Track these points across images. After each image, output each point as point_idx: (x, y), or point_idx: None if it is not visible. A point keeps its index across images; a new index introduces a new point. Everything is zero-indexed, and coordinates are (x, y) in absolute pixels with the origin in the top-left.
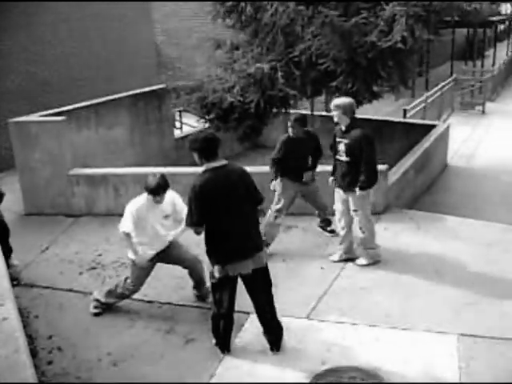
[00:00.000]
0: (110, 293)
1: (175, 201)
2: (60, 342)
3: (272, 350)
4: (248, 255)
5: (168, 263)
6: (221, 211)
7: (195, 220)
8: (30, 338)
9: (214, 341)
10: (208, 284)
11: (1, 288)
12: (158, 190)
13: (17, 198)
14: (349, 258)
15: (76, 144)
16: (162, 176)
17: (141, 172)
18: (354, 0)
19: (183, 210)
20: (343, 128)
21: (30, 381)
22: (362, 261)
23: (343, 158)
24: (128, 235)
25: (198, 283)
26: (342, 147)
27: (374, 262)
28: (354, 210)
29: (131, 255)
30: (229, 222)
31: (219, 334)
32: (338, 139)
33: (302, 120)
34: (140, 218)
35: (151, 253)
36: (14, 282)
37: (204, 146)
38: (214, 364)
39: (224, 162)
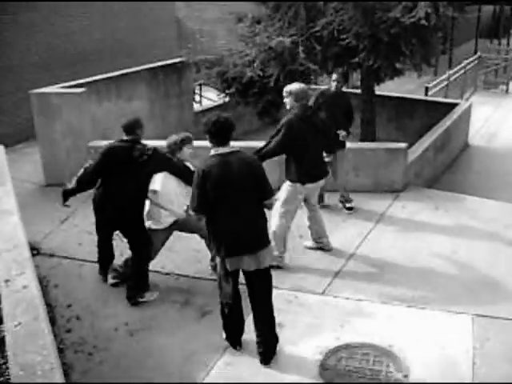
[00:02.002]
0: (126, 262)
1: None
2: (78, 311)
3: (261, 362)
4: (247, 251)
5: (185, 231)
6: (221, 201)
7: (195, 206)
8: (50, 307)
9: (224, 335)
10: None
11: (21, 257)
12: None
13: (37, 169)
14: (320, 247)
15: (96, 116)
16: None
17: (160, 145)
18: None
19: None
20: None
21: (49, 348)
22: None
23: None
24: (155, 193)
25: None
26: None
27: (278, 266)
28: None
29: (149, 224)
30: (228, 213)
31: (228, 327)
32: None
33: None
34: (165, 181)
35: (170, 220)
36: (34, 252)
37: (214, 130)
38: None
39: (235, 148)
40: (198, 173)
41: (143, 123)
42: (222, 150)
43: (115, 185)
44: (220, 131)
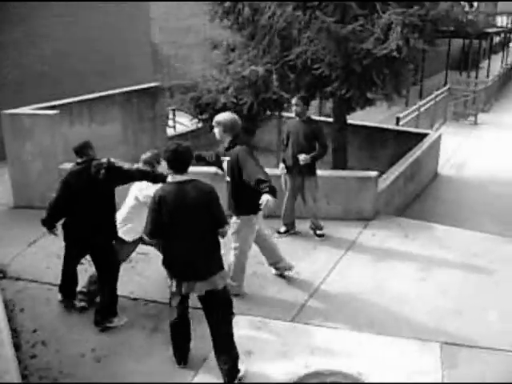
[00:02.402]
0: (91, 279)
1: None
2: (45, 336)
3: (225, 382)
4: (198, 278)
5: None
6: (175, 227)
7: (149, 230)
8: (15, 332)
9: (171, 351)
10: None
11: None
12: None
13: (6, 190)
14: (281, 273)
15: (68, 138)
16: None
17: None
18: (351, 3)
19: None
20: (226, 145)
21: (13, 373)
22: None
23: (227, 178)
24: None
25: None
26: (225, 166)
27: (236, 295)
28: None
29: (122, 233)
30: (181, 239)
31: (175, 345)
32: (222, 158)
33: (305, 98)
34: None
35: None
36: (0, 275)
37: (173, 158)
38: (199, 364)
39: (191, 178)
40: (154, 198)
41: (93, 145)
42: (179, 177)
43: (84, 210)
44: (180, 159)
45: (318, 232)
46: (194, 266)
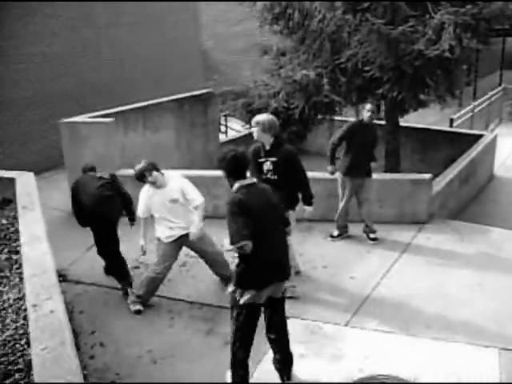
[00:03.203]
0: (141, 283)
1: (183, 186)
2: (102, 337)
3: (283, 379)
4: (285, 277)
5: (196, 252)
6: (261, 230)
7: (243, 234)
8: (74, 333)
9: (229, 376)
10: (232, 268)
11: (48, 282)
12: (137, 177)
13: (65, 197)
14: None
15: (123, 145)
16: (145, 162)
17: (185, 174)
18: (401, 3)
19: (194, 200)
20: (267, 147)
21: (75, 373)
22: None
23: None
24: (143, 219)
25: (223, 278)
26: (266, 166)
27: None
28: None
29: (157, 234)
30: (269, 241)
31: (239, 365)
32: (261, 159)
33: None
34: (147, 202)
35: (168, 233)
36: (60, 278)
37: (234, 165)
38: (252, 367)
39: (254, 179)
40: (234, 203)
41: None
42: (244, 181)
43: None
44: (239, 166)
45: (372, 235)
46: (283, 265)
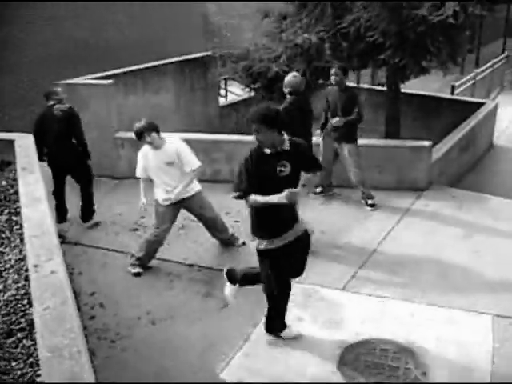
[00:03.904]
0: (140, 245)
1: (179, 150)
2: (102, 298)
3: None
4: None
5: (195, 216)
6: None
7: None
8: (74, 294)
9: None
10: (231, 231)
11: (49, 243)
12: (136, 134)
13: None
14: None
15: (122, 108)
16: (145, 121)
17: (184, 137)
18: None
19: (190, 162)
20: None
21: (76, 331)
22: None
23: None
24: (142, 180)
25: (222, 242)
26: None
27: None
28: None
29: (156, 197)
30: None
31: (280, 315)
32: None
33: (343, 68)
34: (145, 163)
35: (165, 196)
36: (60, 239)
37: (279, 119)
38: (249, 329)
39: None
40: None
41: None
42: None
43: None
44: (279, 120)
45: (370, 202)
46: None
